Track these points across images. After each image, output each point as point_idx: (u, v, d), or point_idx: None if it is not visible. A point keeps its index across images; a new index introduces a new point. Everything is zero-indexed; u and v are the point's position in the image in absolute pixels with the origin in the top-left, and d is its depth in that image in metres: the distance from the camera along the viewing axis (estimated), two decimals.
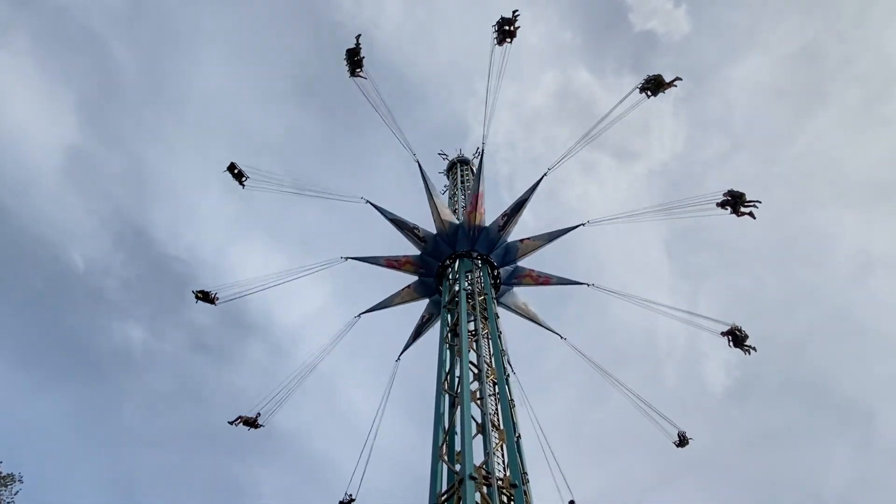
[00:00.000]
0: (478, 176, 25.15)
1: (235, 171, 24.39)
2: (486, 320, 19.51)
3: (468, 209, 24.96)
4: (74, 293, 59.53)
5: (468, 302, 20.07)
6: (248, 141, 64.56)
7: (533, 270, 25.20)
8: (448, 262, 23.68)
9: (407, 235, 24.85)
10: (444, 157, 33.85)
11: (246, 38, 65.81)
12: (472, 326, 19.41)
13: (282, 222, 68.66)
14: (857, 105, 60.23)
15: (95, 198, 59.47)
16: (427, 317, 25.40)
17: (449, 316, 20.42)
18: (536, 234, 25.01)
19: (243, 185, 24.51)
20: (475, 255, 23.55)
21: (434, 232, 24.77)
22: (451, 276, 23.27)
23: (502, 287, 24.33)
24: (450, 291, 22.38)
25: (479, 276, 22.52)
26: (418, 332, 25.48)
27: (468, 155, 34.14)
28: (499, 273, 23.82)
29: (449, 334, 19.37)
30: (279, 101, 67.53)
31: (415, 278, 25.32)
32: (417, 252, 25.00)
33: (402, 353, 25.24)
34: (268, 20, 65.91)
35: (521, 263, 25.13)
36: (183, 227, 63.94)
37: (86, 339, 60.25)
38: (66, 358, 59.49)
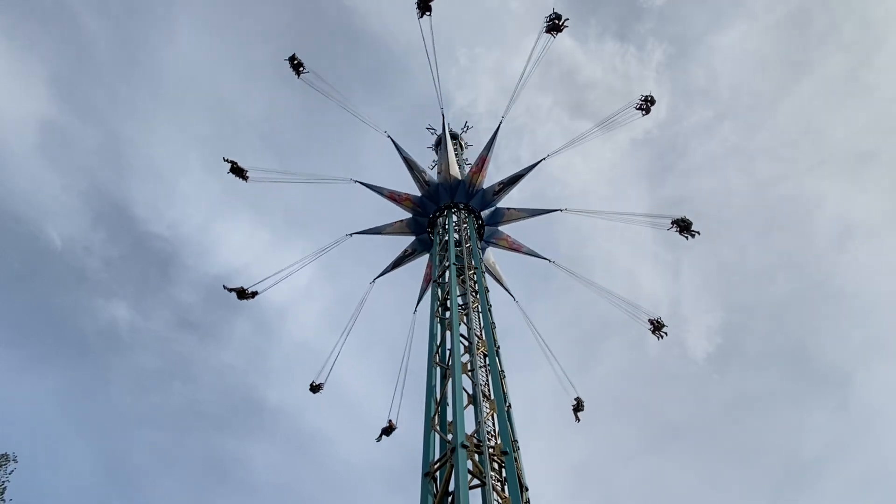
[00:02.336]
0: (490, 143, 27.20)
1: (295, 62, 26.68)
2: (476, 294, 19.78)
3: (473, 169, 27.26)
4: (56, 272, 58.87)
5: (458, 276, 20.32)
6: (228, 116, 63.46)
7: (509, 236, 27.76)
8: (439, 211, 26.02)
9: (414, 176, 27.22)
10: (433, 131, 33.69)
11: (224, 9, 64.12)
12: (460, 301, 19.69)
13: (266, 198, 68.11)
14: (841, 73, 60.59)
15: (72, 175, 58.34)
16: (410, 251, 27.56)
17: (440, 290, 20.66)
18: (520, 204, 27.98)
19: (299, 76, 26.78)
20: (462, 206, 26.05)
21: (437, 181, 27.23)
22: (443, 224, 25.29)
23: (482, 243, 26.76)
24: (441, 240, 24.12)
25: (467, 226, 24.90)
26: (398, 263, 27.71)
27: (456, 129, 34.12)
28: (483, 229, 26.51)
29: (440, 308, 19.63)
30: (259, 74, 66.14)
31: (409, 216, 27.38)
32: (419, 194, 27.13)
33: (377, 277, 27.49)
34: None
35: (502, 228, 27.62)
36: (164, 205, 63.10)
37: (70, 318, 59.85)
38: (52, 338, 59.16)
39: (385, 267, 27.73)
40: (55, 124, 56.12)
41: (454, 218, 25.18)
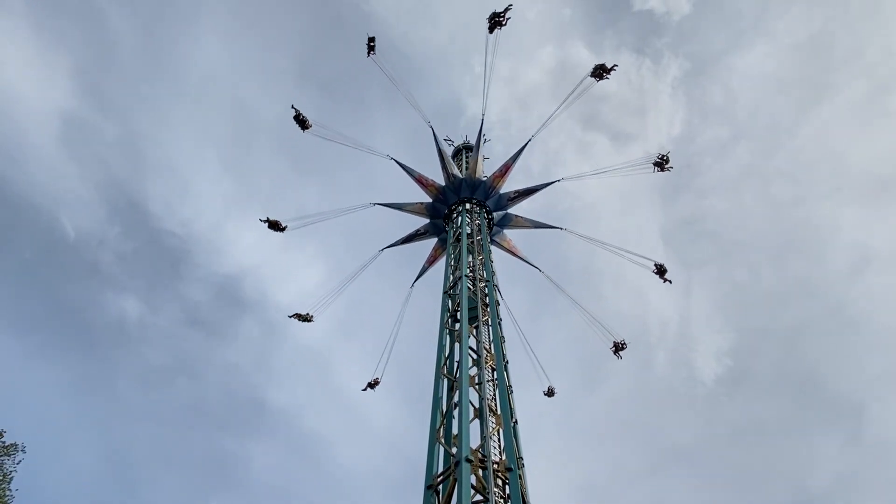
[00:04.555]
0: (517, 154, 28.91)
1: (300, 118, 27.38)
2: (486, 307, 19.69)
3: (495, 174, 29.13)
4: (69, 264, 59.65)
5: (469, 289, 20.26)
6: (245, 117, 64.17)
7: (510, 240, 29.51)
8: (457, 203, 28.03)
9: (423, 188, 29.04)
10: (450, 142, 33.99)
11: (246, 13, 65.05)
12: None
13: (277, 199, 68.48)
14: (862, 97, 59.96)
15: (90, 167, 59.20)
16: (422, 231, 29.39)
17: (450, 301, 20.60)
18: (529, 211, 29.75)
19: (305, 130, 27.65)
20: (477, 202, 28.06)
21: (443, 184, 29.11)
22: (456, 218, 27.23)
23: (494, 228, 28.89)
24: (454, 233, 25.77)
25: (478, 218, 27.07)
26: (409, 239, 29.63)
27: (473, 141, 34.51)
28: (492, 227, 28.44)
29: (449, 320, 19.57)
30: (278, 78, 66.96)
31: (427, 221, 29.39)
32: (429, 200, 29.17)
33: (387, 247, 29.53)
34: None
35: (507, 232, 29.61)
36: (178, 202, 63.90)
37: (81, 310, 60.51)
38: (61, 329, 59.84)
39: (397, 240, 29.69)
40: (76, 117, 57.11)
41: (468, 225, 26.07)
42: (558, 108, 28.43)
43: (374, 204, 29.15)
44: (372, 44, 28.26)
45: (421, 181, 29.06)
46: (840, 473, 54.54)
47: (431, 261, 29.43)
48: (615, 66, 26.71)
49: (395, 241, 29.46)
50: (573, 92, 27.76)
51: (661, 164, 26.94)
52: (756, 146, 63.69)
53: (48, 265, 58.73)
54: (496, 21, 26.73)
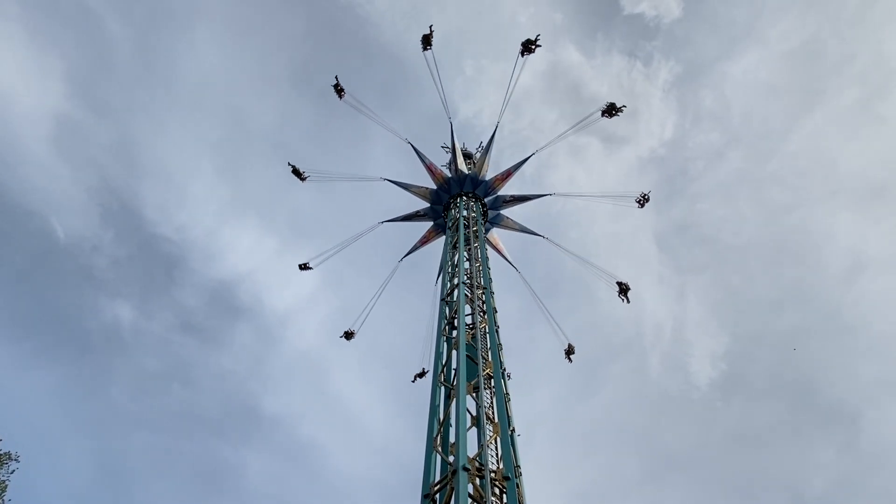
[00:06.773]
0: (519, 165, 30.93)
1: (338, 87, 30.48)
2: (484, 314, 19.64)
3: (498, 177, 31.34)
4: (62, 269, 59.26)
5: (467, 296, 20.23)
6: (241, 123, 64.10)
7: (498, 240, 31.60)
8: (455, 197, 29.90)
9: (431, 175, 31.18)
10: (446, 149, 34.03)
11: (241, 19, 65.10)
12: (469, 321, 19.56)
13: (273, 206, 68.35)
14: (854, 104, 60.45)
15: (84, 172, 58.91)
16: (429, 236, 31.44)
17: (447, 308, 20.55)
18: (520, 215, 31.72)
19: (341, 98, 30.99)
20: (472, 194, 30.20)
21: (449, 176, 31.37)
22: (453, 224, 28.09)
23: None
24: (454, 226, 27.00)
25: (474, 210, 28.92)
26: (422, 243, 31.31)
27: (471, 147, 34.91)
28: (487, 211, 30.59)
29: (447, 327, 19.50)
30: (273, 83, 67.00)
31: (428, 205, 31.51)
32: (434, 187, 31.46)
33: (404, 257, 31.42)
34: (264, 1, 65.15)
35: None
36: (173, 208, 63.67)
37: (74, 316, 60.09)
38: (55, 334, 59.38)
39: (396, 217, 31.58)
40: (71, 121, 56.84)
41: (465, 221, 27.27)
42: (566, 131, 31.15)
43: (384, 179, 31.35)
44: (430, 38, 29.74)
45: (430, 168, 31.11)
46: (836, 480, 54.62)
47: (423, 241, 31.43)
48: (624, 106, 29.40)
49: (394, 218, 31.46)
50: (582, 121, 30.60)
51: (643, 202, 29.94)
52: (749, 152, 64.09)
53: (41, 270, 58.38)
54: (427, 40, 29.63)
